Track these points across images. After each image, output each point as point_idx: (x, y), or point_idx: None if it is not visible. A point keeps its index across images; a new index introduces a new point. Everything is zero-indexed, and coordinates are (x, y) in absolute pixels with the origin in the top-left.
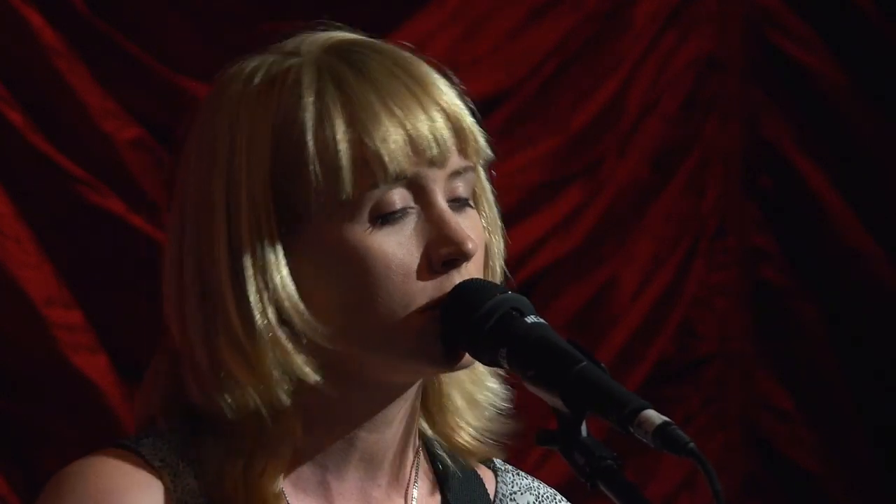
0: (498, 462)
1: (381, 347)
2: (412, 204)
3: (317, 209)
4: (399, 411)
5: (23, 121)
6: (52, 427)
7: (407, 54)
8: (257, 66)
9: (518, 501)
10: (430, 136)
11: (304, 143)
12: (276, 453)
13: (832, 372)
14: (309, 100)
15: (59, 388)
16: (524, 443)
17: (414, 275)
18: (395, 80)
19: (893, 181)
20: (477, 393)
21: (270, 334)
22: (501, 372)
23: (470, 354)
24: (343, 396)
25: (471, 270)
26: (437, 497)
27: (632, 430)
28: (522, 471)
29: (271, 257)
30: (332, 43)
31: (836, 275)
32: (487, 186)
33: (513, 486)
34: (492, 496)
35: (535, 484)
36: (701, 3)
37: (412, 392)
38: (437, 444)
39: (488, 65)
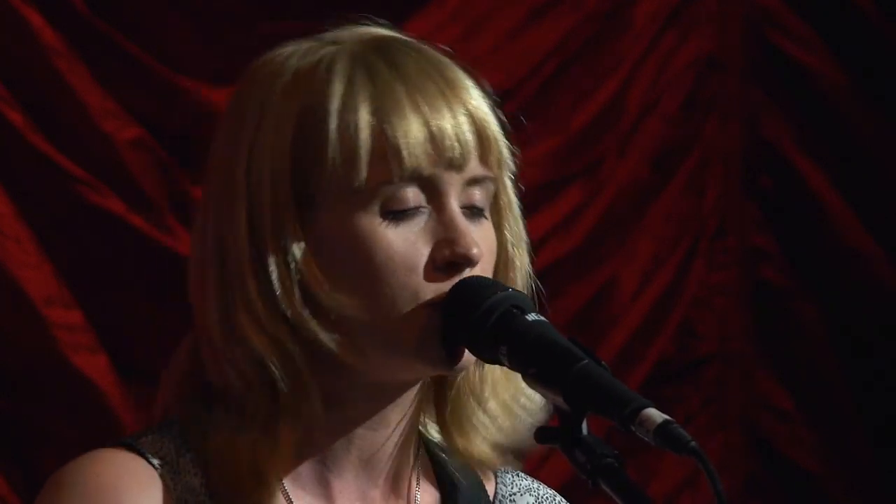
0: None
1: (382, 339)
2: (425, 203)
3: (331, 193)
4: (398, 412)
5: (23, 121)
6: (52, 427)
7: (444, 57)
8: (294, 50)
9: (518, 502)
10: (452, 135)
11: (327, 126)
12: (291, 427)
13: (832, 372)
14: (338, 85)
15: (59, 388)
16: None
17: (418, 272)
18: (427, 78)
19: (893, 181)
20: (513, 403)
21: (292, 308)
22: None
23: (470, 352)
24: (343, 394)
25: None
26: (438, 499)
27: (633, 428)
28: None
29: (291, 234)
30: (371, 37)
31: (836, 275)
32: (514, 201)
33: (512, 487)
34: (491, 497)
35: (535, 485)
36: (701, 3)
37: (412, 393)
38: (437, 447)
39: (488, 65)
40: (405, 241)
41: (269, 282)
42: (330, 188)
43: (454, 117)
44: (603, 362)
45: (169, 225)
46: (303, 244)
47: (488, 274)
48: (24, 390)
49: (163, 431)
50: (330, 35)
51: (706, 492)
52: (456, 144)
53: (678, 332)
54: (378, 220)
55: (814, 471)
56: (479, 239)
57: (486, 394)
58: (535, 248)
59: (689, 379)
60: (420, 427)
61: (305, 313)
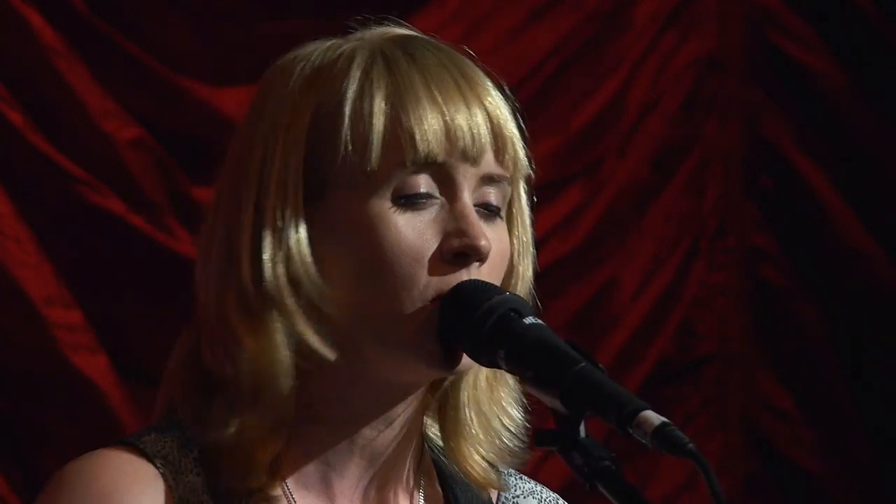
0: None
1: (380, 333)
2: (437, 194)
3: (342, 178)
4: (401, 413)
5: (23, 121)
6: (52, 427)
7: (464, 57)
8: (316, 47)
9: None
10: (465, 127)
11: (342, 111)
12: (268, 423)
13: (832, 372)
14: (356, 74)
15: (59, 388)
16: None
17: (424, 262)
18: (445, 71)
19: (893, 181)
20: (493, 419)
21: (278, 292)
22: (525, 401)
23: (468, 355)
24: (345, 392)
25: (483, 276)
26: (441, 501)
27: (630, 430)
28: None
29: (292, 218)
30: (394, 35)
31: (836, 275)
32: (526, 211)
33: (515, 490)
34: (494, 500)
35: (539, 488)
36: (701, 3)
37: (415, 397)
38: (441, 450)
39: (488, 65)
40: (414, 230)
41: (261, 264)
42: (342, 172)
43: (469, 110)
44: (600, 365)
45: (169, 225)
46: (304, 229)
47: (497, 278)
48: (24, 390)
49: (164, 431)
50: (354, 35)
51: (705, 494)
52: (469, 136)
53: (678, 332)
54: (388, 204)
55: (814, 471)
56: (492, 239)
57: (475, 411)
58: (536, 248)
59: (689, 379)
60: (424, 429)
61: (290, 302)
